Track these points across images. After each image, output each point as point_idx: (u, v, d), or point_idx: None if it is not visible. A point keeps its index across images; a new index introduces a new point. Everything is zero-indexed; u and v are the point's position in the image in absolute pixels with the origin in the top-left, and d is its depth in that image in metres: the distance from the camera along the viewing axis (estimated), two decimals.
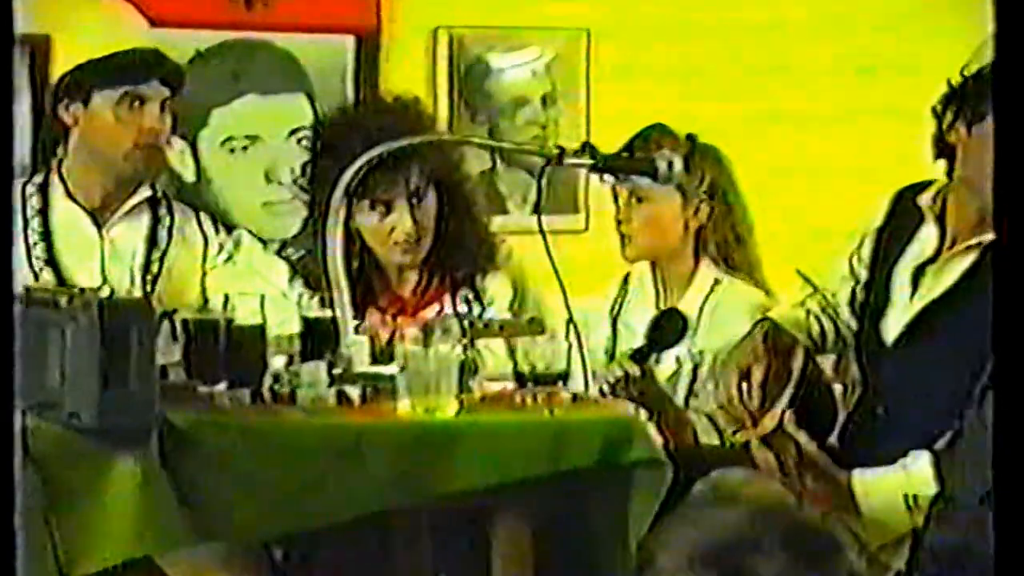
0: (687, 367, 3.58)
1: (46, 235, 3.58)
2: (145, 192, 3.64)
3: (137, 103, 3.56)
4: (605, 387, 3.38)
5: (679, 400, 3.55)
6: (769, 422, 3.01)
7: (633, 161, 3.39)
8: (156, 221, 3.64)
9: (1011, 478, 1.69)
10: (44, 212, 3.59)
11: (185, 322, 3.16)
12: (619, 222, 3.67)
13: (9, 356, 1.69)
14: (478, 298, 3.59)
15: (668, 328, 3.48)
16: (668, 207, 3.64)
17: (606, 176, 3.49)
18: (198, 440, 2.78)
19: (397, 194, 3.48)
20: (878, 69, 4.64)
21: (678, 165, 3.23)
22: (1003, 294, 1.76)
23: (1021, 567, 1.65)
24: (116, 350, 2.67)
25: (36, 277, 3.53)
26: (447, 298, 3.58)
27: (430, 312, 3.55)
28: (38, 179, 3.64)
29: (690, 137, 3.63)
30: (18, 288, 3.15)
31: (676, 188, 3.58)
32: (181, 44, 4.29)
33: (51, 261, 3.56)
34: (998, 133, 1.86)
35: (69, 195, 3.59)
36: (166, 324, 3.39)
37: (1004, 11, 1.82)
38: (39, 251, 3.56)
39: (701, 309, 3.62)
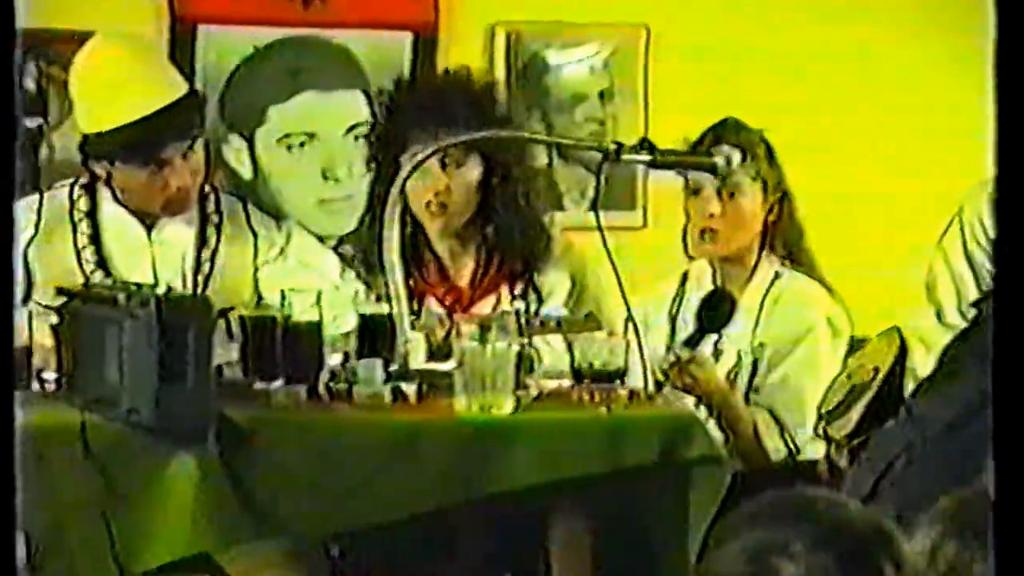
0: (747, 361, 3.57)
1: (95, 237, 3.59)
2: None
3: (162, 166, 3.53)
4: (660, 376, 3.37)
5: (739, 395, 3.53)
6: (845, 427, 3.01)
7: (691, 157, 3.39)
8: (205, 219, 3.65)
9: (1011, 477, 1.69)
10: (92, 215, 3.60)
11: (242, 319, 3.19)
12: (710, 215, 3.62)
13: (9, 354, 1.72)
14: (536, 291, 3.59)
15: (716, 308, 3.48)
16: (754, 201, 3.63)
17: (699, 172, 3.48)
18: (255, 437, 2.80)
19: (416, 149, 3.46)
20: (944, 61, 4.61)
21: (736, 160, 3.22)
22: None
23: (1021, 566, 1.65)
24: (174, 347, 2.70)
25: (87, 281, 3.53)
26: (504, 290, 3.58)
27: (486, 305, 3.55)
28: (85, 179, 3.64)
29: (761, 132, 3.62)
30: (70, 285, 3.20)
31: (760, 183, 3.57)
32: (237, 41, 4.32)
33: (101, 263, 3.57)
34: (999, 134, 1.86)
35: (116, 198, 3.60)
36: (221, 322, 3.40)
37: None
38: (88, 254, 3.57)
39: (762, 302, 3.61)
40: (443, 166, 3.47)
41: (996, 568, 1.65)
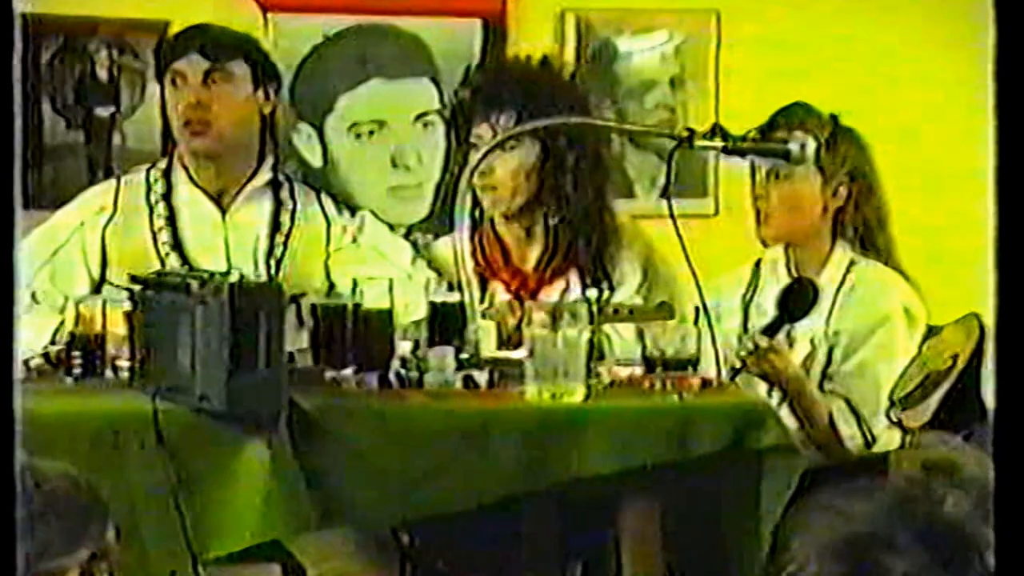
0: (822, 349, 3.55)
1: (171, 220, 3.63)
2: (266, 175, 3.67)
3: (180, 80, 3.59)
4: (736, 363, 3.35)
5: (814, 383, 3.51)
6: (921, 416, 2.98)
7: (765, 143, 3.37)
8: (279, 204, 3.67)
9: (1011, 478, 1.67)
10: (168, 197, 3.64)
11: (313, 307, 3.20)
12: (756, 197, 3.63)
13: (9, 353, 1.73)
14: (607, 279, 3.59)
15: (799, 298, 3.46)
16: (808, 186, 3.59)
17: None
18: (326, 425, 2.81)
19: (485, 131, 3.47)
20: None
21: (811, 147, 3.20)
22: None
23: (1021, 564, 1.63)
24: (246, 334, 2.71)
25: (162, 262, 3.57)
26: (572, 277, 3.58)
27: (553, 290, 3.55)
28: (162, 164, 3.69)
29: (833, 117, 3.60)
30: (148, 272, 3.22)
31: (817, 168, 3.54)
32: (307, 29, 4.33)
33: (176, 246, 3.61)
34: (999, 135, 1.84)
35: (192, 180, 3.64)
36: (292, 308, 3.42)
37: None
38: (164, 236, 3.62)
39: (837, 291, 3.59)
40: (500, 149, 3.46)
41: (996, 567, 1.63)
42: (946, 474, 1.70)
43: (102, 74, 4.22)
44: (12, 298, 1.76)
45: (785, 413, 3.37)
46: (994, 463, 1.66)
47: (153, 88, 4.16)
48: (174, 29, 3.69)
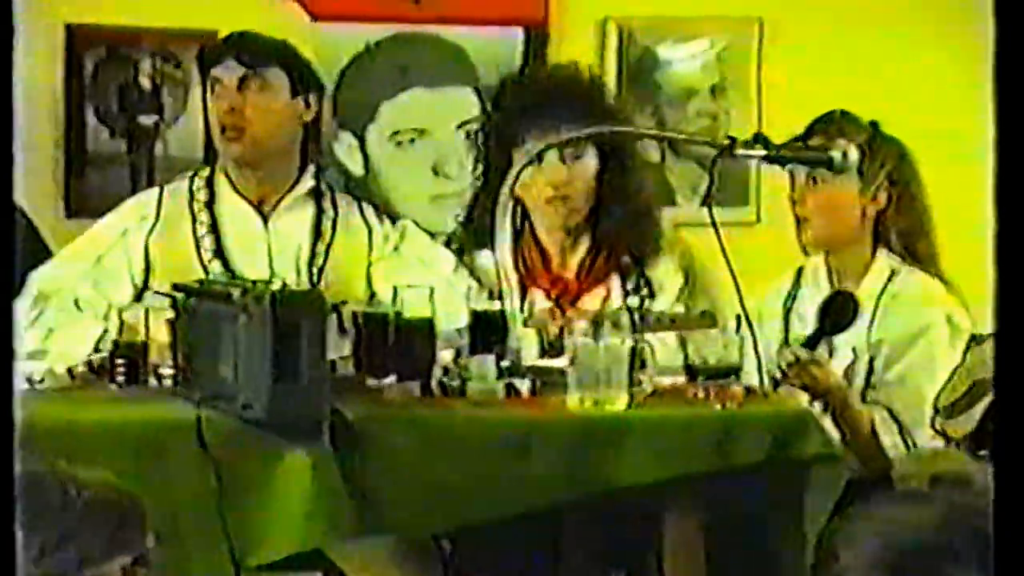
0: (864, 358, 3.53)
1: (214, 228, 3.64)
2: (308, 184, 3.68)
3: (218, 86, 3.60)
4: (777, 375, 3.34)
5: (855, 393, 3.50)
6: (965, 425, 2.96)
7: (806, 151, 3.36)
8: (320, 212, 3.68)
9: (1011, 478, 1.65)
10: (210, 205, 3.66)
11: (355, 315, 3.20)
12: (794, 202, 3.62)
13: (9, 352, 1.74)
14: (648, 286, 3.58)
15: (839, 311, 3.44)
16: (845, 191, 3.58)
17: None
18: (368, 433, 2.81)
19: (524, 142, 3.48)
20: None
21: (853, 155, 3.18)
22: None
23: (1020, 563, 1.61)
24: (288, 342, 2.71)
25: (205, 270, 3.58)
26: (613, 283, 3.58)
27: (594, 297, 3.55)
28: (205, 172, 3.71)
29: (872, 124, 3.58)
30: (191, 280, 3.23)
31: (855, 173, 3.52)
32: (349, 38, 4.34)
33: (219, 253, 3.62)
34: (999, 137, 1.83)
35: (234, 188, 3.65)
36: (334, 317, 3.42)
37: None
38: (207, 243, 3.63)
39: (878, 299, 3.57)
40: (562, 159, 3.48)
41: (996, 569, 1.61)
42: (957, 485, 1.69)
43: (145, 83, 4.24)
44: (11, 300, 1.76)
45: (828, 422, 3.35)
46: (994, 466, 1.66)
47: (195, 97, 4.18)
48: (219, 38, 3.71)
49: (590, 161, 3.52)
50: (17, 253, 3.56)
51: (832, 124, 3.52)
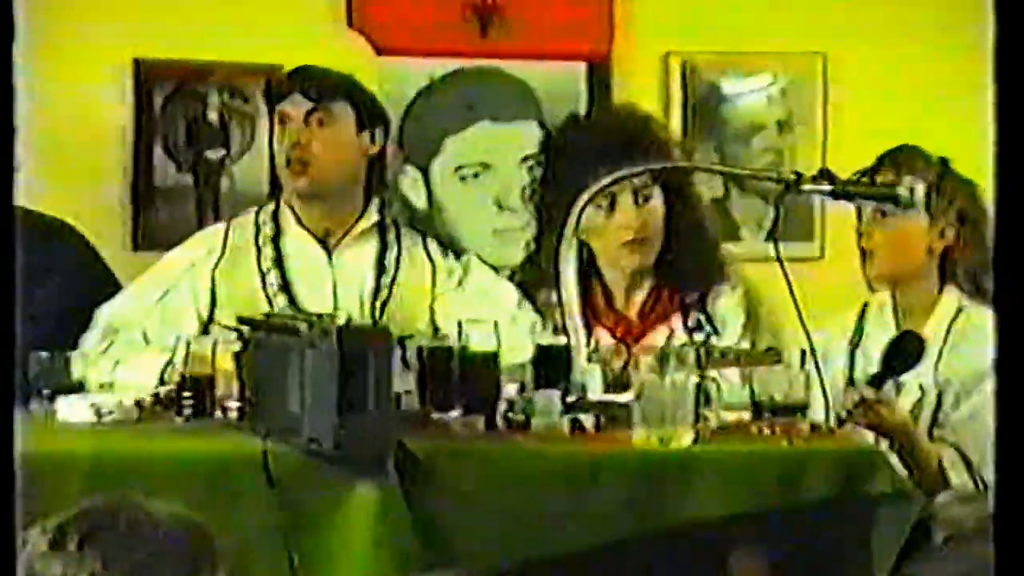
0: (931, 396, 3.50)
1: (278, 261, 3.66)
2: (372, 218, 3.69)
3: (284, 120, 3.62)
4: (843, 414, 3.32)
5: (922, 430, 3.47)
6: None
7: (873, 187, 3.34)
8: (384, 247, 3.70)
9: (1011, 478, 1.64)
10: (276, 240, 3.68)
11: (419, 349, 3.21)
12: (860, 235, 3.61)
13: (10, 352, 1.75)
14: (710, 323, 3.58)
15: (906, 351, 3.41)
16: (913, 226, 3.56)
17: None
18: (433, 467, 2.81)
19: (621, 188, 3.50)
20: None
21: (920, 192, 3.17)
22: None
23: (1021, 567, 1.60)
24: (354, 376, 2.71)
25: (270, 303, 3.61)
26: (676, 321, 3.58)
27: (658, 335, 3.55)
28: (270, 207, 3.73)
29: (942, 160, 3.56)
30: (257, 313, 3.25)
31: (924, 208, 3.50)
32: (414, 72, 4.36)
33: (284, 287, 3.64)
34: (999, 139, 1.82)
35: (299, 222, 3.67)
36: (399, 351, 3.43)
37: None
38: (273, 277, 3.65)
39: (946, 336, 3.54)
40: (636, 203, 3.50)
41: (996, 569, 1.60)
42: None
43: (213, 117, 4.27)
44: (12, 300, 1.78)
45: (895, 460, 3.32)
46: (996, 472, 1.65)
47: (262, 131, 4.21)
48: (285, 72, 3.74)
49: (658, 202, 3.54)
50: (85, 284, 3.59)
51: (900, 159, 3.50)
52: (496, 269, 3.86)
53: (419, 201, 4.42)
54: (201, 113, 4.26)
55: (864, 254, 3.62)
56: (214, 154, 4.28)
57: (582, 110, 4.39)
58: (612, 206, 3.53)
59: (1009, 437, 1.66)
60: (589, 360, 3.23)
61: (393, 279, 3.68)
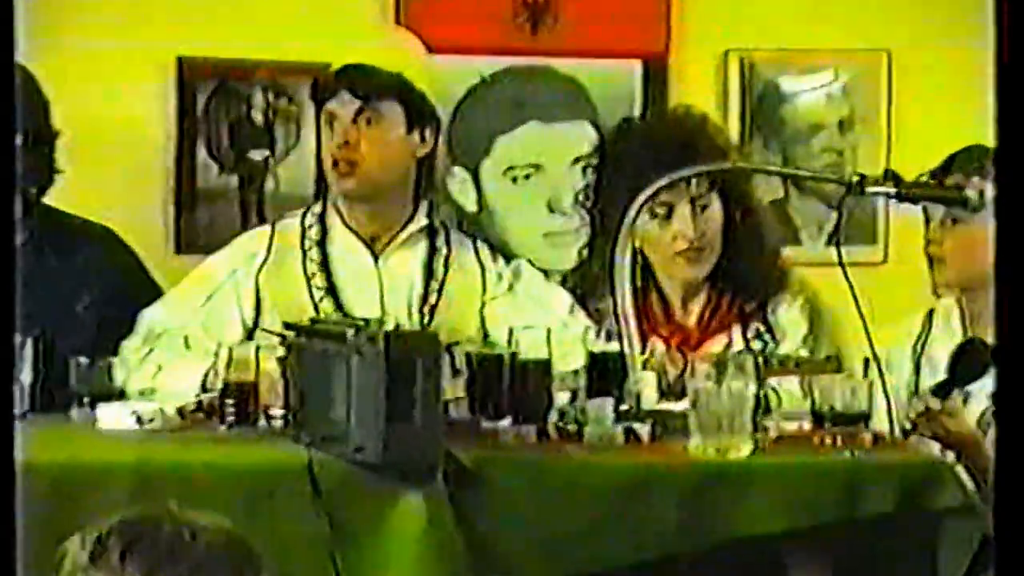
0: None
1: (324, 265, 3.66)
2: (421, 221, 3.70)
3: (332, 120, 3.63)
4: (907, 425, 3.30)
5: (991, 442, 3.44)
6: None
7: (940, 189, 3.32)
8: (433, 251, 3.70)
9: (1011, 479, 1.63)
10: (322, 243, 3.68)
11: (468, 356, 3.21)
12: (928, 242, 3.57)
13: (10, 352, 1.75)
14: (770, 331, 3.57)
15: (972, 360, 3.38)
16: (984, 231, 3.53)
17: None
18: (482, 477, 2.81)
19: (678, 197, 3.49)
20: None
21: (990, 193, 3.15)
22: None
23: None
24: (402, 384, 2.71)
25: (316, 307, 3.61)
26: (735, 330, 3.57)
27: (716, 345, 3.54)
28: (317, 208, 3.73)
29: None
30: (302, 318, 3.25)
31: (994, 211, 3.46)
32: (463, 71, 4.36)
33: (331, 291, 3.64)
34: (1000, 142, 1.81)
35: (346, 224, 3.67)
36: (447, 358, 3.43)
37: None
38: (318, 281, 3.65)
39: None
40: (693, 211, 3.49)
41: (996, 569, 1.59)
42: None
43: (257, 117, 4.28)
44: (12, 301, 1.79)
45: (962, 472, 3.30)
46: (996, 471, 1.64)
47: (307, 131, 4.22)
48: (332, 71, 3.75)
49: (716, 210, 3.53)
50: (126, 288, 3.60)
51: (968, 160, 3.47)
52: (547, 274, 3.85)
53: (468, 203, 4.42)
54: (245, 113, 4.27)
55: (931, 260, 3.59)
56: (258, 155, 4.29)
57: (636, 110, 4.38)
58: (669, 215, 3.53)
59: (1009, 437, 1.66)
60: (644, 367, 3.22)
61: (442, 284, 3.68)
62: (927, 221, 3.61)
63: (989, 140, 3.57)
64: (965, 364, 3.38)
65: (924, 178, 3.42)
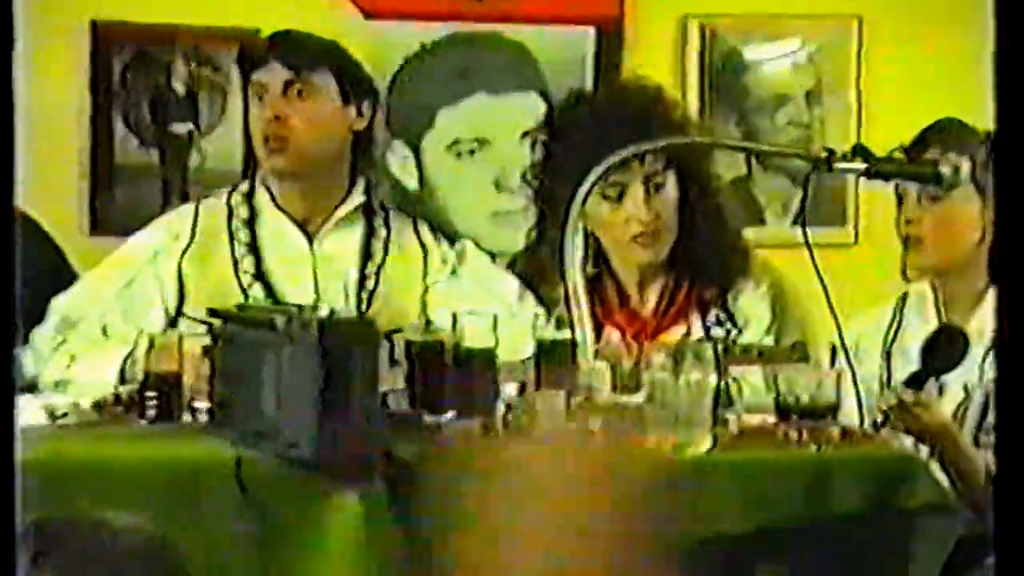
0: (977, 397, 3.51)
1: (253, 247, 3.67)
2: (358, 200, 3.70)
3: (261, 92, 3.63)
4: (878, 417, 3.33)
5: (967, 435, 3.48)
6: None
7: (913, 165, 3.35)
8: (371, 232, 3.71)
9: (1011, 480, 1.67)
10: (251, 223, 3.69)
11: (409, 344, 3.22)
12: (908, 221, 3.59)
13: (9, 352, 1.77)
14: (731, 319, 3.59)
15: (946, 348, 3.42)
16: (966, 209, 3.56)
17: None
18: (423, 474, 2.82)
19: (631, 176, 3.51)
20: None
21: (965, 169, 3.18)
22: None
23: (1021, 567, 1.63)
24: (337, 375, 2.72)
25: (245, 294, 3.62)
26: (694, 317, 3.59)
27: (674, 333, 3.56)
28: (245, 187, 3.74)
29: (989, 135, 3.57)
30: (229, 305, 3.26)
31: (974, 188, 3.50)
32: (403, 38, 4.37)
33: (260, 276, 3.65)
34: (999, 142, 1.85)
35: (276, 204, 3.68)
36: (386, 346, 3.44)
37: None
38: (247, 265, 3.66)
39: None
40: (647, 191, 3.50)
41: (996, 568, 1.63)
42: None
43: (180, 87, 4.28)
44: (12, 309, 1.80)
45: (936, 468, 3.33)
46: (996, 474, 1.67)
47: (235, 103, 4.22)
48: (261, 38, 3.75)
49: (671, 190, 3.54)
50: (36, 272, 3.60)
51: (945, 134, 3.50)
52: (494, 256, 3.87)
53: (409, 181, 4.43)
54: (166, 82, 4.27)
55: (908, 242, 3.61)
56: (181, 128, 4.29)
57: (589, 80, 4.40)
58: (621, 197, 3.54)
59: (1010, 437, 1.69)
60: (596, 357, 3.23)
61: (380, 267, 3.69)
62: (899, 199, 3.64)
63: (966, 114, 3.63)
64: (939, 352, 3.41)
65: (897, 154, 3.45)
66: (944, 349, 3.40)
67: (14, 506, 1.75)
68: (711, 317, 3.60)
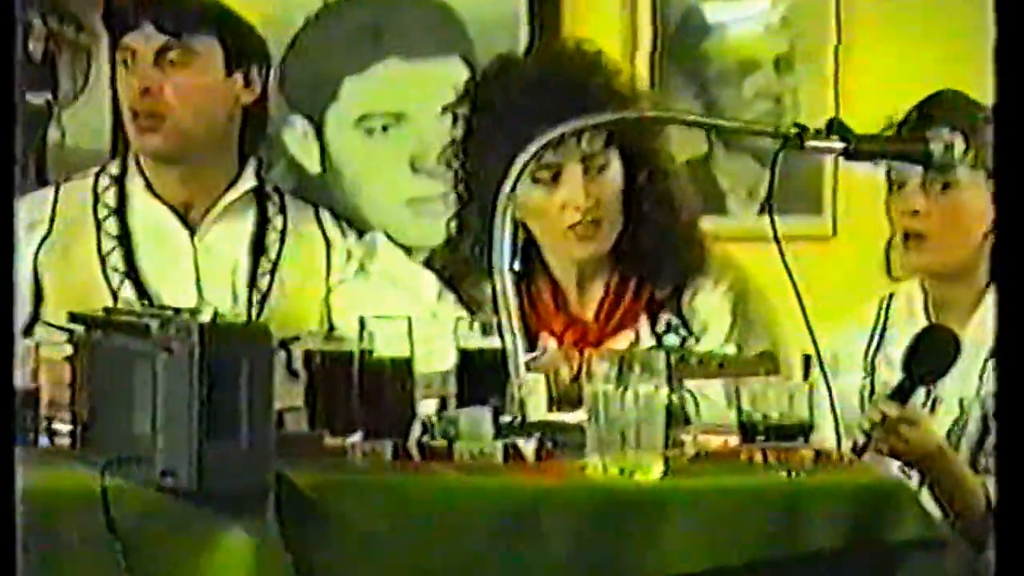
0: (975, 413, 3.54)
1: (124, 240, 3.66)
2: (248, 184, 3.70)
3: (131, 59, 3.63)
4: (859, 438, 3.35)
5: (963, 458, 3.51)
6: None
7: (898, 143, 3.38)
8: (264, 222, 3.71)
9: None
10: (121, 212, 3.68)
11: (308, 354, 3.22)
12: (914, 213, 3.59)
13: (9, 350, 1.77)
14: (686, 324, 3.61)
15: (933, 351, 3.44)
16: (977, 198, 3.58)
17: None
18: (325, 506, 2.82)
19: (567, 156, 3.52)
20: None
21: (959, 148, 3.20)
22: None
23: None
24: (222, 390, 2.72)
25: (114, 294, 3.61)
26: (643, 322, 3.61)
27: (620, 341, 3.58)
28: (114, 169, 3.72)
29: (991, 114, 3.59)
30: (95, 307, 3.25)
31: (984, 173, 3.51)
32: None
33: (131, 273, 3.64)
34: (998, 142, 1.88)
35: (151, 189, 3.67)
36: (282, 356, 3.45)
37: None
38: (115, 260, 3.65)
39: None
40: (586, 174, 3.51)
41: (996, 568, 1.66)
42: None
43: (36, 50, 4.27)
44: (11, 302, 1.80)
45: (926, 497, 3.36)
46: (997, 503, 1.70)
47: (101, 68, 4.20)
48: None
49: (614, 171, 3.55)
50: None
51: (938, 109, 3.52)
52: (410, 251, 3.87)
53: (310, 162, 4.44)
54: (20, 45, 4.25)
55: (908, 237, 3.62)
56: (37, 98, 4.28)
57: (522, 43, 4.42)
58: (555, 180, 3.55)
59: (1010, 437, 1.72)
60: (529, 369, 3.25)
61: (275, 264, 3.70)
62: (892, 186, 3.65)
63: (962, 84, 3.66)
64: (926, 356, 3.42)
65: (891, 132, 3.47)
66: (931, 352, 3.42)
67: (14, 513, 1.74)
68: (663, 321, 3.62)
